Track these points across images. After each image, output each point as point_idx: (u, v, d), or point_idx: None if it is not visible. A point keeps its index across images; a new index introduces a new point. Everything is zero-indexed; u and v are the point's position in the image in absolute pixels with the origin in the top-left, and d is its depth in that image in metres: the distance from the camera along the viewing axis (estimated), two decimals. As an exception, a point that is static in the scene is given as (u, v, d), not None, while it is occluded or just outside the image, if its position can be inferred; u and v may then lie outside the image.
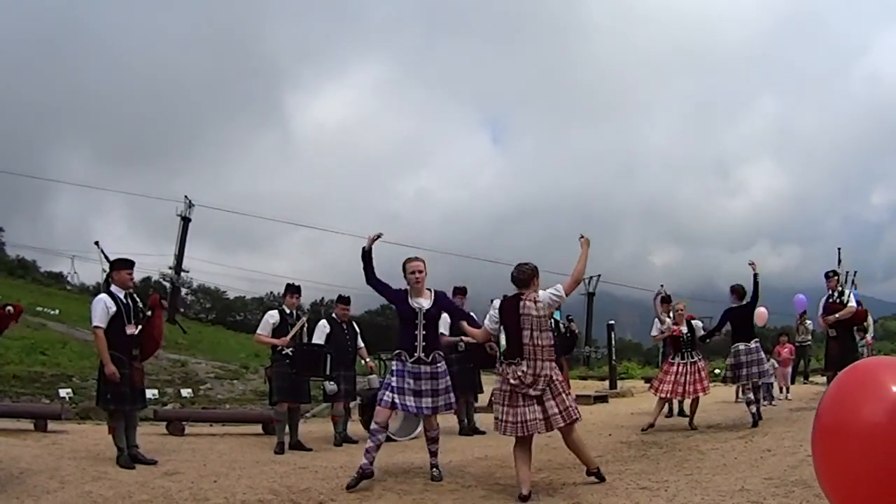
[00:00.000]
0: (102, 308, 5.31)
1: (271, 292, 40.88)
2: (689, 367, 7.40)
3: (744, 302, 7.48)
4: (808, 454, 3.61)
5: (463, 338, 7.92)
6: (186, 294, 38.68)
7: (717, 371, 11.66)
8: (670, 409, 8.79)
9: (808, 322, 13.14)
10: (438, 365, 4.87)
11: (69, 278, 38.13)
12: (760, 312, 9.63)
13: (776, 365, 10.73)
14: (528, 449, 4.41)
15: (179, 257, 28.36)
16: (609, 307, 38.65)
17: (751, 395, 7.37)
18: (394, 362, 4.89)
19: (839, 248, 8.12)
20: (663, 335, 7.66)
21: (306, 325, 6.93)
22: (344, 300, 7.45)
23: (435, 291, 5.00)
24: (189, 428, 7.61)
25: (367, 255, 4.92)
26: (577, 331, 9.22)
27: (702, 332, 7.69)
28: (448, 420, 8.25)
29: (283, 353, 6.56)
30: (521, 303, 4.48)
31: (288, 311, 6.81)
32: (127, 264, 5.61)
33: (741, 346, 7.45)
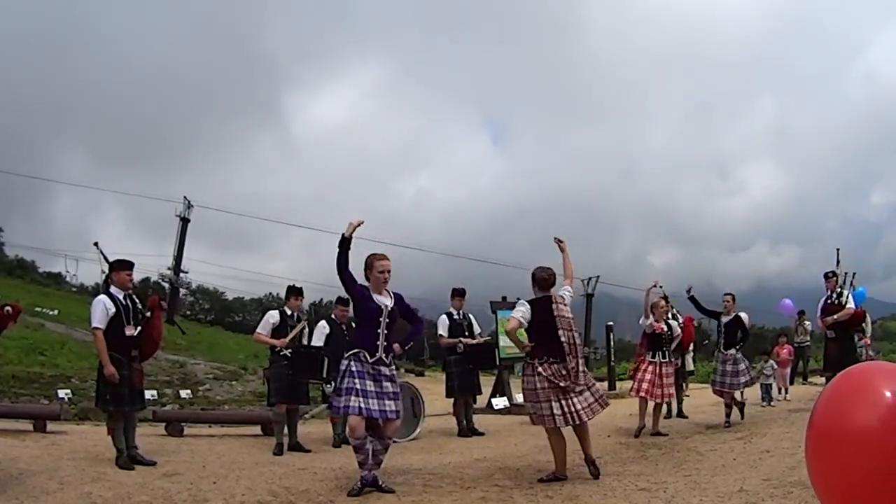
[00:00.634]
0: (102, 309, 5.30)
1: (270, 293, 40.87)
2: (663, 367, 7.33)
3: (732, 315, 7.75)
4: (806, 455, 3.62)
5: (462, 339, 7.96)
6: (185, 295, 38.57)
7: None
8: (669, 410, 8.79)
9: (807, 323, 13.14)
10: (393, 367, 4.71)
11: (68, 278, 38.07)
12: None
13: (775, 366, 10.74)
14: (564, 437, 4.81)
15: (178, 258, 28.29)
16: (608, 308, 38.69)
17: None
18: (352, 362, 4.53)
19: (838, 249, 8.12)
20: (644, 332, 7.62)
21: (306, 327, 6.94)
22: (343, 301, 7.41)
23: (393, 292, 4.82)
24: (188, 429, 7.61)
25: (345, 243, 4.66)
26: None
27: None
28: (448, 421, 8.26)
29: (282, 354, 6.57)
30: (554, 306, 4.81)
31: (289, 313, 6.81)
32: (126, 265, 5.60)
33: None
